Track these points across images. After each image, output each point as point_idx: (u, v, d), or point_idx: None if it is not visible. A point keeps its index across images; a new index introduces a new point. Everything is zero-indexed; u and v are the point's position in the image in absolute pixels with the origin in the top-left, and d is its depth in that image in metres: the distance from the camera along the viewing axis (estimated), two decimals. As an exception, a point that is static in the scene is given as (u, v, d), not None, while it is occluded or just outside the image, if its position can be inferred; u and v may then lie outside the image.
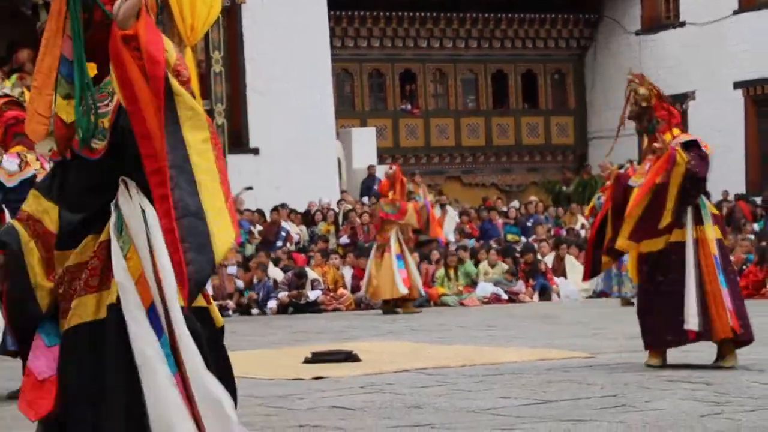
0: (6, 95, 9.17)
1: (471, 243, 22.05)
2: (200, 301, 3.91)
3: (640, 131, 9.47)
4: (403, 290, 17.58)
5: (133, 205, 3.79)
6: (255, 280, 19.25)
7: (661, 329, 9.07)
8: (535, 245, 21.87)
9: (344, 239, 22.14)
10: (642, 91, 9.35)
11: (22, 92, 9.46)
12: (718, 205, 24.33)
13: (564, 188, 28.83)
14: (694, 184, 9.05)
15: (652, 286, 9.13)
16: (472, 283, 20.33)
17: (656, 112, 9.29)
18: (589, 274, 9.92)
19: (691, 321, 8.92)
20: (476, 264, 20.89)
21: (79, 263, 3.86)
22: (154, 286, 3.77)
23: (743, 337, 9.01)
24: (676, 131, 9.29)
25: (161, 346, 3.78)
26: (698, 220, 9.08)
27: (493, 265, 20.68)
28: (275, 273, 19.50)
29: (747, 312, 9.10)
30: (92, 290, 3.85)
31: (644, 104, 9.32)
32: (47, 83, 3.85)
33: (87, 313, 3.85)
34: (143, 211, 3.79)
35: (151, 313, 3.78)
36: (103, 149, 3.84)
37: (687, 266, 8.98)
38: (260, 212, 22.39)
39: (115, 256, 3.79)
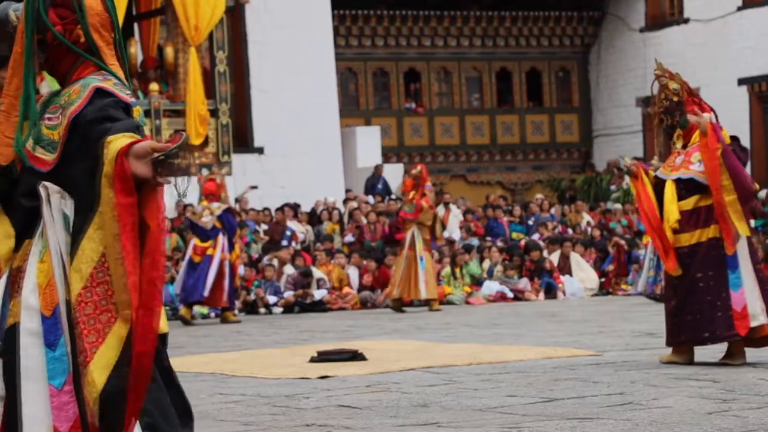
0: None
1: (474, 242, 22.02)
2: None
3: (668, 127, 9.36)
4: (424, 294, 17.67)
5: (52, 210, 3.87)
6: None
7: (698, 326, 8.95)
8: (541, 243, 21.86)
9: (349, 238, 22.14)
10: (673, 85, 9.30)
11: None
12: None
13: (569, 194, 28.76)
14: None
15: (688, 281, 9.01)
16: (477, 282, 20.33)
17: (687, 106, 9.24)
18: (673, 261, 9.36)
19: (760, 317, 8.85)
20: (481, 262, 20.92)
21: (18, 267, 3.97)
22: (62, 289, 3.85)
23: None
24: None
25: (58, 346, 3.84)
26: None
27: (495, 264, 20.69)
28: (288, 269, 19.57)
29: None
30: (18, 294, 3.97)
31: (676, 99, 9.25)
32: (15, 105, 3.95)
33: (14, 315, 3.95)
34: (65, 216, 3.87)
35: (53, 317, 3.86)
36: (53, 162, 3.90)
37: (742, 261, 8.92)
38: (267, 210, 22.40)
39: (32, 258, 3.90)
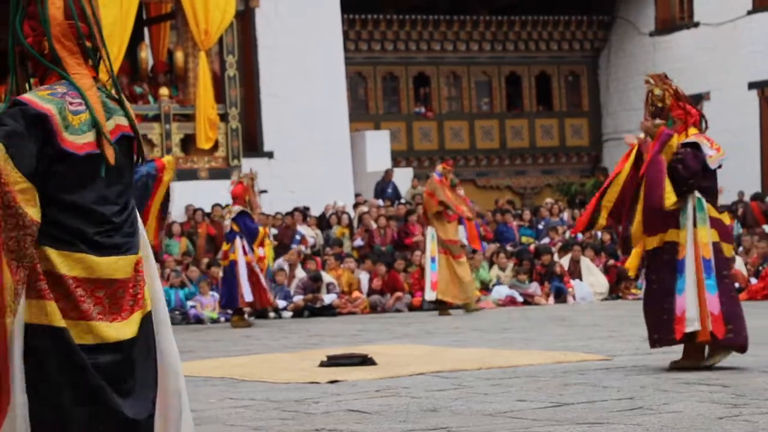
0: None
1: (484, 246, 21.99)
2: (57, 321, 3.82)
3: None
4: (429, 295, 17.69)
5: None
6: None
7: (651, 328, 9.15)
8: (552, 248, 21.84)
9: (358, 242, 22.13)
10: (657, 91, 9.37)
11: None
12: (734, 206, 24.30)
13: (578, 198, 28.71)
14: (681, 179, 9.03)
15: (647, 284, 9.27)
16: (486, 287, 20.32)
17: (672, 111, 9.28)
18: (584, 226, 9.77)
19: (694, 323, 8.92)
20: (490, 267, 20.90)
21: None
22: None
23: (727, 342, 8.99)
24: (692, 130, 9.26)
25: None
26: (693, 222, 9.07)
27: (503, 269, 20.67)
28: (299, 273, 19.60)
29: (741, 318, 9.04)
30: None
31: (659, 104, 9.33)
32: None
33: None
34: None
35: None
36: None
37: (687, 267, 8.96)
38: (279, 214, 22.42)
39: None
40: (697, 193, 9.09)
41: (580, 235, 23.65)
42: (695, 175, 9.03)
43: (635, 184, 9.19)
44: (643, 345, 11.23)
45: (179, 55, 21.97)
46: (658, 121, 9.26)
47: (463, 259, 17.94)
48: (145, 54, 22.21)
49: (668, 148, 9.07)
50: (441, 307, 17.82)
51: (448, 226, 17.76)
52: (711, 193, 9.20)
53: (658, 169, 9.02)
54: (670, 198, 8.96)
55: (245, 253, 16.60)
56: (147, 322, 4.01)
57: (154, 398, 3.98)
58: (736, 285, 18.36)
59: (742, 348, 9.03)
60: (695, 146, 9.14)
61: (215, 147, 22.00)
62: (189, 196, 21.15)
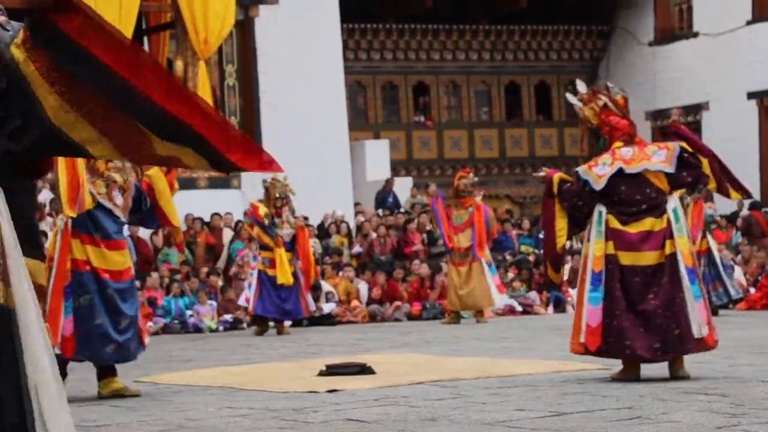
0: None
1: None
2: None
3: (600, 150, 9.48)
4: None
5: None
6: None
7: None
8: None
9: (357, 248, 22.11)
10: (586, 112, 9.45)
11: None
12: (734, 215, 24.30)
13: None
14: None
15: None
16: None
17: (602, 129, 9.37)
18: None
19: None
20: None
21: None
22: None
23: (601, 354, 9.22)
24: (617, 144, 9.26)
25: None
26: (670, 234, 9.09)
27: (503, 282, 20.62)
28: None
29: (621, 331, 9.11)
30: None
31: (589, 125, 9.45)
32: None
33: None
34: None
35: None
36: None
37: (605, 280, 9.05)
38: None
39: None
40: (599, 207, 9.16)
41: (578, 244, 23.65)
42: (573, 204, 9.23)
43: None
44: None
45: (179, 65, 21.97)
46: (542, 173, 9.51)
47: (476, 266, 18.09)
48: (145, 63, 22.17)
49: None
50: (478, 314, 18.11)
51: (460, 235, 17.92)
52: (625, 202, 9.18)
53: (547, 215, 9.48)
54: (561, 240, 9.30)
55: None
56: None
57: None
58: (739, 293, 18.52)
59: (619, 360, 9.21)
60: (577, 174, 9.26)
61: (215, 156, 21.96)
62: (188, 205, 21.13)
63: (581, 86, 9.67)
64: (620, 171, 9.15)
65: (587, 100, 9.44)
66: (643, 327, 9.03)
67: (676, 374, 9.06)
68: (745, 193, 12.01)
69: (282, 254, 16.62)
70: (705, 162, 9.57)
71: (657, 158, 9.19)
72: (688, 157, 9.22)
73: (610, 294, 9.09)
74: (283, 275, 16.52)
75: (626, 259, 9.13)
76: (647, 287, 9.07)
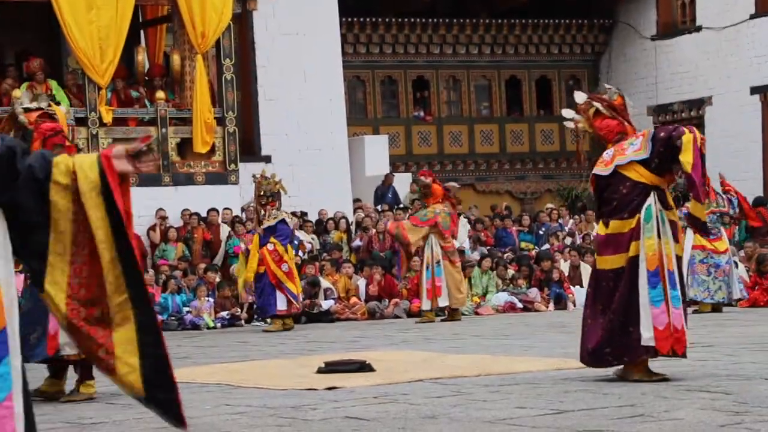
0: (39, 108, 9.43)
1: (480, 252, 21.87)
2: None
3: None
4: (425, 305, 17.73)
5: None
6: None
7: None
8: (553, 254, 21.74)
9: (357, 242, 22.04)
10: (582, 126, 9.40)
11: (49, 104, 9.60)
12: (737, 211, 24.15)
13: (579, 203, 28.64)
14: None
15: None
16: (485, 293, 20.21)
17: (600, 134, 9.33)
18: None
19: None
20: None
21: None
22: (9, 312, 4.06)
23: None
24: (609, 145, 9.17)
25: (2, 365, 4.06)
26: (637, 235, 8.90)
27: (503, 278, 20.53)
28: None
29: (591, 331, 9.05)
30: None
31: (590, 133, 9.43)
32: None
33: None
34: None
35: (2, 334, 4.07)
36: None
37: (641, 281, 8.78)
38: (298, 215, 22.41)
39: None
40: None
41: (580, 240, 23.58)
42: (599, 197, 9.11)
43: None
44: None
45: (176, 59, 21.87)
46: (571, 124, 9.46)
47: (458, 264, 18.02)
48: (142, 57, 22.10)
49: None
50: (451, 313, 17.85)
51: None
52: (605, 203, 9.03)
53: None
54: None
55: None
56: None
57: None
58: (741, 291, 18.50)
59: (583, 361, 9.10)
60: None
61: (212, 151, 21.89)
62: (185, 200, 21.06)
63: (579, 97, 9.60)
64: (597, 175, 9.06)
65: (584, 110, 9.38)
66: (602, 331, 8.85)
67: (627, 378, 8.78)
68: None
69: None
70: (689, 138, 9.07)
71: (632, 149, 8.90)
72: (662, 131, 8.96)
73: (588, 299, 9.13)
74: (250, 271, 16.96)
75: (598, 263, 9.05)
76: (613, 292, 8.84)
